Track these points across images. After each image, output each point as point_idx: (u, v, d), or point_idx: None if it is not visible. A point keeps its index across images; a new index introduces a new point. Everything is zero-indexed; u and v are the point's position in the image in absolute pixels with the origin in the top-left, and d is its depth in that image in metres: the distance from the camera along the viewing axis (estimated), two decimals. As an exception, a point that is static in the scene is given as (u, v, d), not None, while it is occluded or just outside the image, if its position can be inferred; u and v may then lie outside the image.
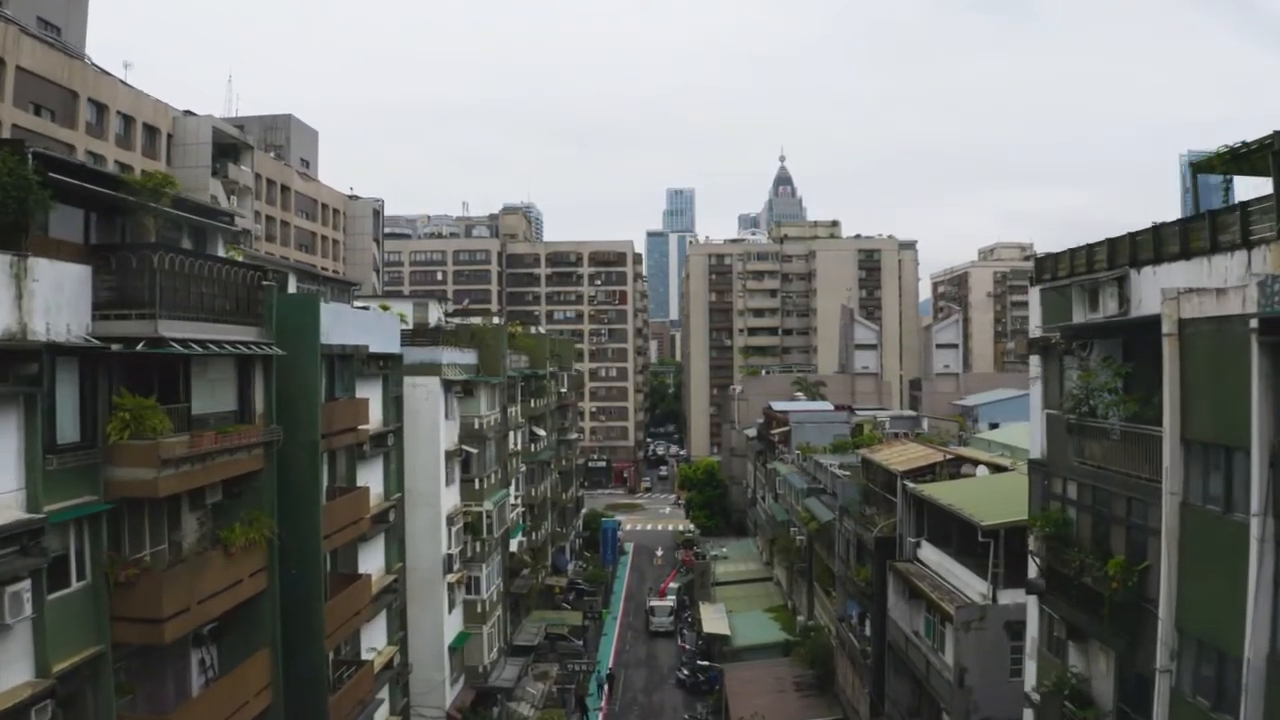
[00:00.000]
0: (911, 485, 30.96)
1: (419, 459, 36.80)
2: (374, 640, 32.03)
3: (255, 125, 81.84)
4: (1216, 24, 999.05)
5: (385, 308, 39.24)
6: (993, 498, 27.69)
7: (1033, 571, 21.87)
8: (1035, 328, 21.77)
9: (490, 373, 44.00)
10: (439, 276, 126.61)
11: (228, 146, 66.29)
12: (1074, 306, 19.65)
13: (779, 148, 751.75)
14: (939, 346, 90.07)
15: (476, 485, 40.79)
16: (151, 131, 60.33)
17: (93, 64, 55.17)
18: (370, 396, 31.91)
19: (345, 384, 29.12)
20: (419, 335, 38.09)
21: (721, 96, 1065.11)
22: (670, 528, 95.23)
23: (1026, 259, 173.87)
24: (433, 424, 37.26)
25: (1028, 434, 43.18)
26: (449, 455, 38.60)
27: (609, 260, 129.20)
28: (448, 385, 38.15)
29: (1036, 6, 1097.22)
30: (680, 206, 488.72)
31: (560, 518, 70.52)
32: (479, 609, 41.04)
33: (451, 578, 38.43)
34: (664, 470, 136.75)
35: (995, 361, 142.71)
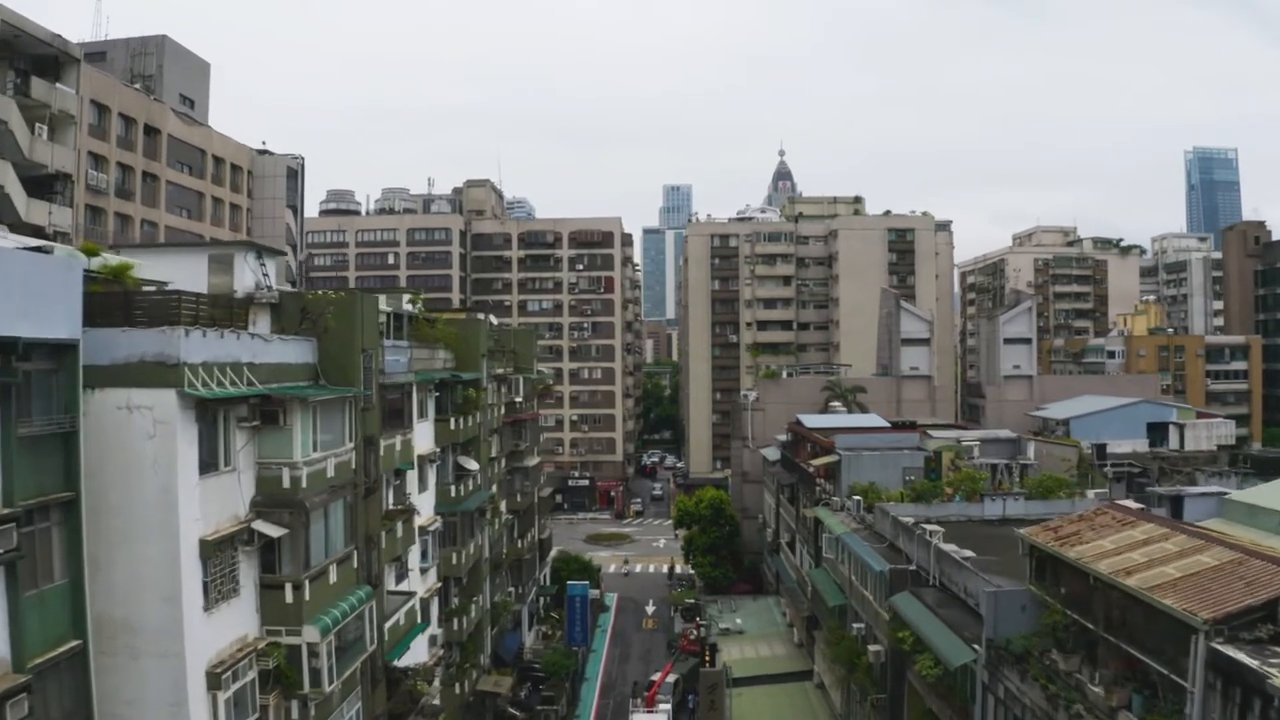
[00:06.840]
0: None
1: (136, 561, 17.68)
2: None
3: (120, 50, 62.65)
4: (1218, 22, 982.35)
5: (93, 251, 19.94)
6: None
7: None
8: None
9: (340, 378, 24.74)
10: (391, 259, 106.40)
11: (45, 59, 46.86)
12: None
13: (777, 146, 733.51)
14: (1007, 342, 70.67)
15: (289, 596, 21.43)
16: (-97, 25, 41.01)
17: None
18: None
19: None
20: (141, 305, 18.71)
21: (718, 97, 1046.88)
22: (665, 568, 75.90)
23: (1070, 244, 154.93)
24: (164, 487, 17.97)
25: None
26: (214, 546, 19.29)
27: (593, 241, 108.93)
28: (204, 407, 18.87)
29: (1036, 4, 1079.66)
30: (677, 203, 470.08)
31: (514, 575, 51.22)
32: (302, 822, 21.82)
33: (222, 790, 19.17)
34: (658, 488, 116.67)
35: (1040, 361, 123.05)
